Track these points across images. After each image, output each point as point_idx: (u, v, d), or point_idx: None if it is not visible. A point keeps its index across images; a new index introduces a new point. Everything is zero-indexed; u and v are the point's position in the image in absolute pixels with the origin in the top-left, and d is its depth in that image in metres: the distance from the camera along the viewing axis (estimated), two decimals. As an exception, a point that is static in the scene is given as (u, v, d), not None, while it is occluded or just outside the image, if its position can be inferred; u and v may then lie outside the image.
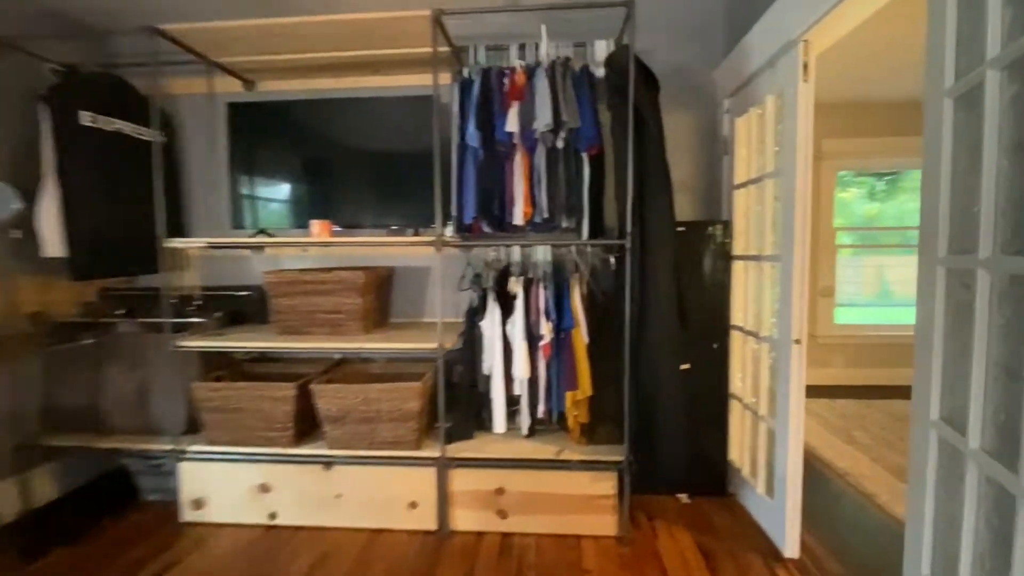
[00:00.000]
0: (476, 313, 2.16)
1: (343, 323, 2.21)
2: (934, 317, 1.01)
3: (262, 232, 2.50)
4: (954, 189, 0.97)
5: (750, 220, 2.18)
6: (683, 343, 2.03)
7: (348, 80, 2.59)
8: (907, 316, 4.40)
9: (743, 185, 2.23)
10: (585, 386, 2.03)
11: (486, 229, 2.20)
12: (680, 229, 2.26)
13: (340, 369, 2.42)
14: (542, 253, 2.26)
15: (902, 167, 4.50)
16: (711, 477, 2.37)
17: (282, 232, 2.55)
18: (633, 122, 1.90)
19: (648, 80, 2.04)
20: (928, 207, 1.04)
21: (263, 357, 2.61)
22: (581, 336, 2.04)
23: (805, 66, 1.70)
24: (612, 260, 2.23)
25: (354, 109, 2.48)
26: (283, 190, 2.62)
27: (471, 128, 2.04)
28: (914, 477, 1.10)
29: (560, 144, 2.05)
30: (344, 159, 2.52)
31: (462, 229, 2.20)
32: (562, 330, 2.04)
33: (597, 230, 2.16)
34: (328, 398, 2.09)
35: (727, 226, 2.29)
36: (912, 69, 3.29)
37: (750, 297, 2.19)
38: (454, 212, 2.17)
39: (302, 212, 2.54)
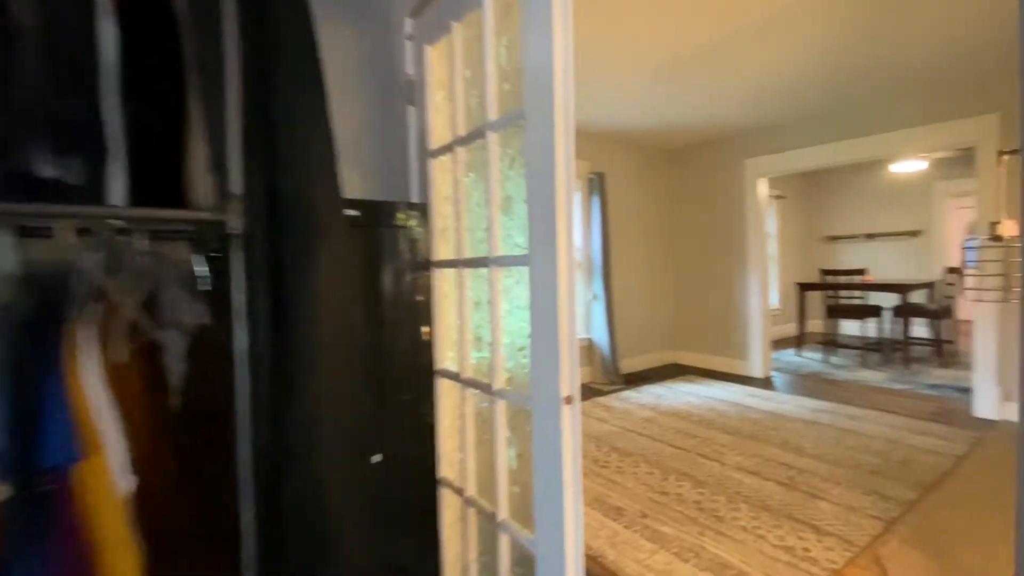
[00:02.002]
0: None
1: None
2: None
3: None
4: None
5: (461, 203, 1.38)
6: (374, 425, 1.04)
7: None
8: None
9: (446, 149, 1.41)
10: (127, 615, 0.74)
11: None
12: (349, 213, 1.26)
13: None
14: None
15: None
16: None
17: None
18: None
19: None
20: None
21: None
22: (104, 478, 0.75)
23: (561, -70, 1.00)
24: (205, 270, 0.99)
25: None
26: None
27: None
28: None
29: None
30: None
31: None
32: (40, 474, 0.70)
33: (169, 194, 0.90)
34: None
35: (424, 212, 1.43)
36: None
37: (468, 326, 1.38)
38: None
39: None
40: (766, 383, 4.33)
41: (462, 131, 1.34)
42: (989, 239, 1.30)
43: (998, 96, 3.04)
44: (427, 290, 1.47)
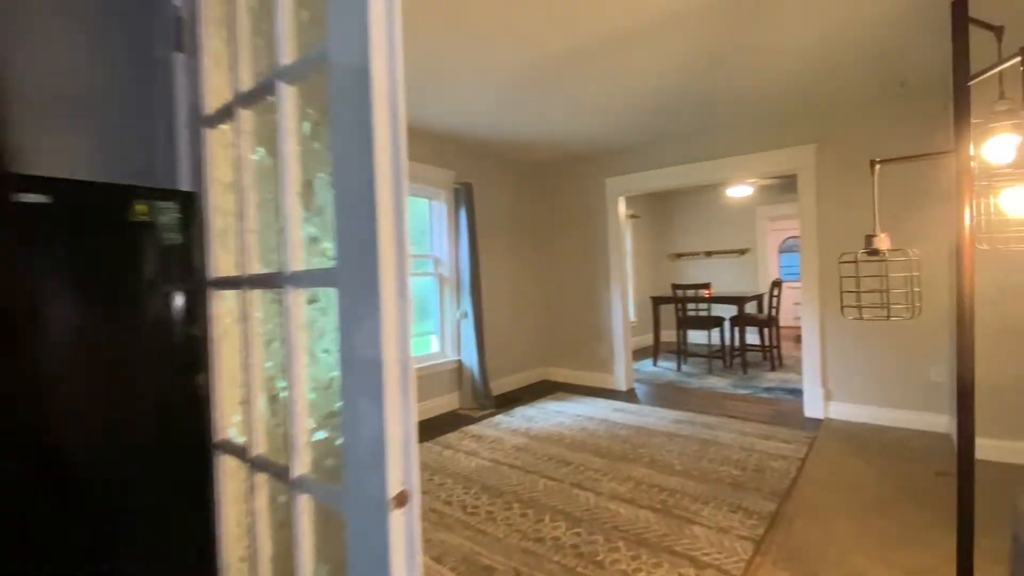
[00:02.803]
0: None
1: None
2: None
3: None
4: None
5: (246, 192, 0.93)
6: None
7: None
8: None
9: (225, 113, 0.95)
10: None
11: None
12: (37, 199, 0.75)
13: None
14: None
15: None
16: None
17: None
18: None
19: None
20: None
21: None
22: None
23: None
24: None
25: None
26: None
27: None
28: None
29: None
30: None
31: None
32: None
33: None
34: None
35: (191, 206, 0.95)
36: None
37: (258, 376, 0.92)
38: None
39: None
40: (630, 395, 4.39)
41: (247, 85, 0.90)
42: (866, 253, 1.25)
43: (815, 128, 3.44)
44: (201, 320, 0.99)
